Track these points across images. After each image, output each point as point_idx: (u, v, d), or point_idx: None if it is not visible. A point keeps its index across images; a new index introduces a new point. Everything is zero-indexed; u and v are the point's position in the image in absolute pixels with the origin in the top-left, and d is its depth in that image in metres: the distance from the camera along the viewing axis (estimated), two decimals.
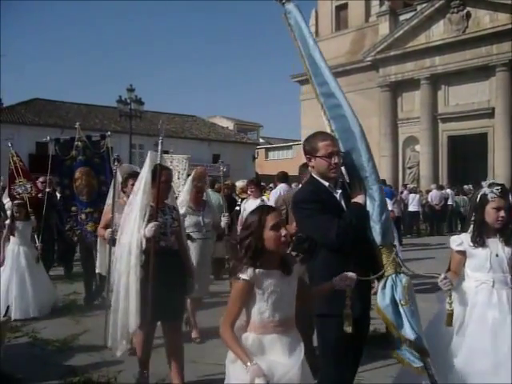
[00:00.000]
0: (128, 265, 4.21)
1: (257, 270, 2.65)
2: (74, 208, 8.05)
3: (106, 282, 5.62)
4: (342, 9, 36.84)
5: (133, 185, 5.69)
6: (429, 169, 31.10)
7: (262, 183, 11.07)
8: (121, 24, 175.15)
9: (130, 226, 4.29)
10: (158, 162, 4.52)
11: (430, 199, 20.38)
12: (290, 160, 47.37)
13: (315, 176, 3.35)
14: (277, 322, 2.68)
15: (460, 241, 3.76)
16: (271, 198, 9.33)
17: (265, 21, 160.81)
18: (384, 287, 3.15)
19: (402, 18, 33.07)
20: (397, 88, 32.74)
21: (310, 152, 3.35)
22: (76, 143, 7.77)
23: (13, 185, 9.76)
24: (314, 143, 3.33)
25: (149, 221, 4.25)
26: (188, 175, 7.78)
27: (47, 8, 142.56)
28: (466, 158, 29.52)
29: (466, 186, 22.38)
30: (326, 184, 3.29)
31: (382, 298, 3.14)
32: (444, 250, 13.61)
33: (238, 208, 9.50)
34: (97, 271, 6.67)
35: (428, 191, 21.67)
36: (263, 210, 2.80)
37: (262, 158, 50.71)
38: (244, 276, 2.64)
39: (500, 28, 27.73)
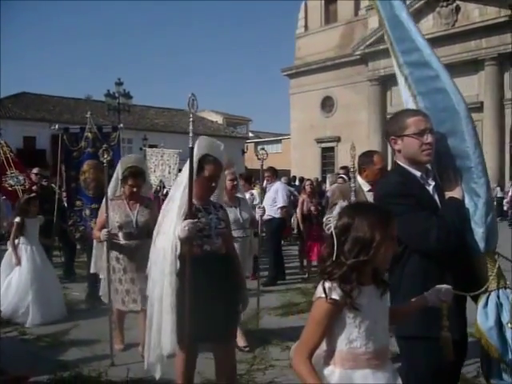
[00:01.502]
0: (162, 273, 3.47)
1: (350, 287, 1.98)
2: (78, 202, 7.63)
3: (107, 283, 5.14)
4: (331, 2, 36.88)
5: (131, 185, 5.11)
6: None
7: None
8: (108, 17, 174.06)
9: (167, 226, 3.54)
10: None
11: None
12: (280, 154, 47.48)
13: (403, 164, 2.72)
14: (371, 354, 2.02)
15: None
16: (270, 195, 9.23)
17: (255, 15, 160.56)
18: (486, 305, 2.61)
19: None
20: (386, 82, 32.81)
21: (395, 132, 2.70)
22: (86, 134, 7.45)
23: (4, 176, 9.31)
24: (400, 121, 2.68)
25: (185, 219, 3.46)
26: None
27: (34, 1, 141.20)
28: None
29: None
30: (418, 174, 2.67)
31: (483, 317, 2.60)
32: None
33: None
34: (91, 271, 5.82)
35: None
36: (388, 215, 2.08)
37: (251, 152, 50.69)
38: (334, 294, 1.96)
39: (489, 22, 27.99)
